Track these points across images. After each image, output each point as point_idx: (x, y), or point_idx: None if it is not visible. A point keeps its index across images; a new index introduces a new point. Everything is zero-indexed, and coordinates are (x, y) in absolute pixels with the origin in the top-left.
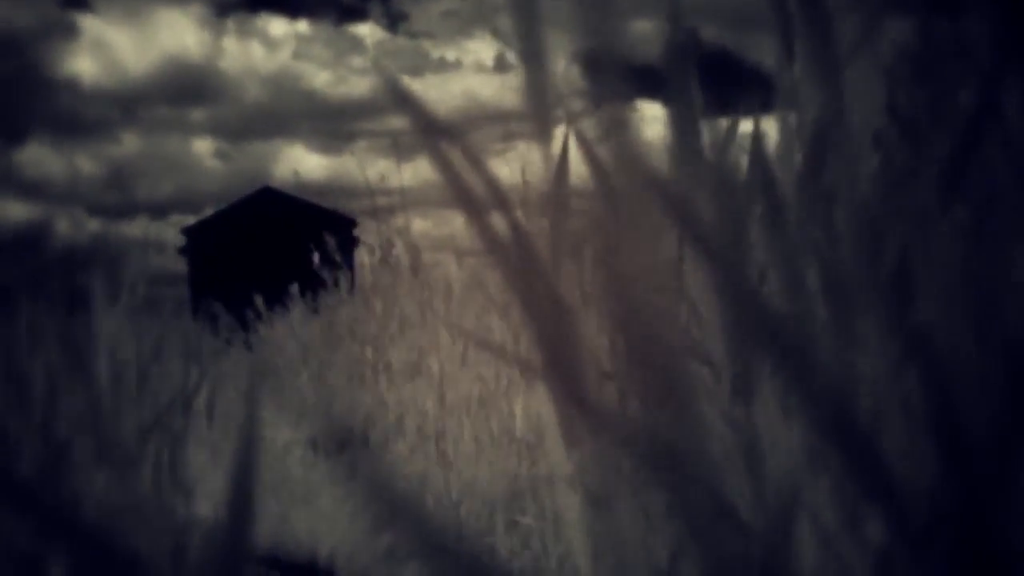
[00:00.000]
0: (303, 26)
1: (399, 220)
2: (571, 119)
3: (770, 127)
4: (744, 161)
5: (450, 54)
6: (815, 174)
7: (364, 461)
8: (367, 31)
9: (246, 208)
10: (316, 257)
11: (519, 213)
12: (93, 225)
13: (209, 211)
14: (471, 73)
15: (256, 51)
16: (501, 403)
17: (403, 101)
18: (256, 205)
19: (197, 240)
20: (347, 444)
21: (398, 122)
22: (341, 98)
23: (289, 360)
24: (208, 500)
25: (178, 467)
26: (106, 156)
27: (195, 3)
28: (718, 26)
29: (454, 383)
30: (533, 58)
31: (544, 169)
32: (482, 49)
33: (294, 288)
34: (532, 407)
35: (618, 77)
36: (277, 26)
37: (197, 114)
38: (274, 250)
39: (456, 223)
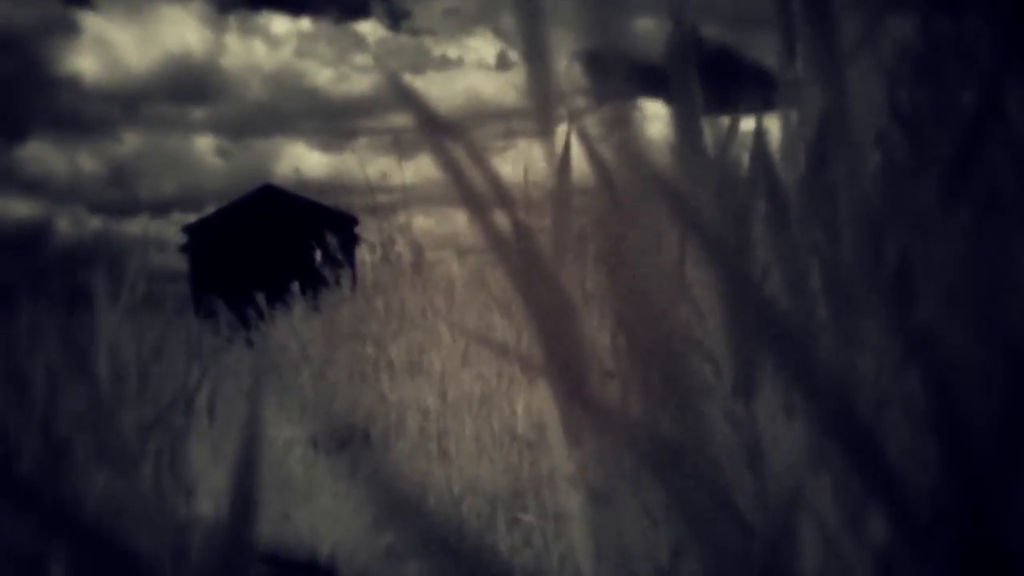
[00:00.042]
0: (305, 24)
1: (401, 218)
2: (573, 117)
3: (772, 125)
4: (746, 159)
5: (452, 52)
6: (817, 172)
7: (365, 459)
8: (369, 29)
9: (247, 206)
10: (318, 255)
11: (521, 211)
12: (94, 223)
13: (210, 209)
14: (473, 71)
15: (258, 49)
16: (503, 401)
17: (406, 98)
18: (257, 203)
19: (198, 238)
20: (348, 442)
21: (400, 119)
22: (343, 96)
23: (290, 358)
24: (209, 498)
25: (179, 465)
26: (107, 154)
27: (197, 0)
28: (719, 25)
29: (455, 381)
30: (536, 56)
31: (546, 167)
32: (484, 47)
33: (295, 286)
34: (534, 405)
35: (620, 75)
36: (279, 24)
37: (198, 112)
38: (275, 248)
39: (458, 221)
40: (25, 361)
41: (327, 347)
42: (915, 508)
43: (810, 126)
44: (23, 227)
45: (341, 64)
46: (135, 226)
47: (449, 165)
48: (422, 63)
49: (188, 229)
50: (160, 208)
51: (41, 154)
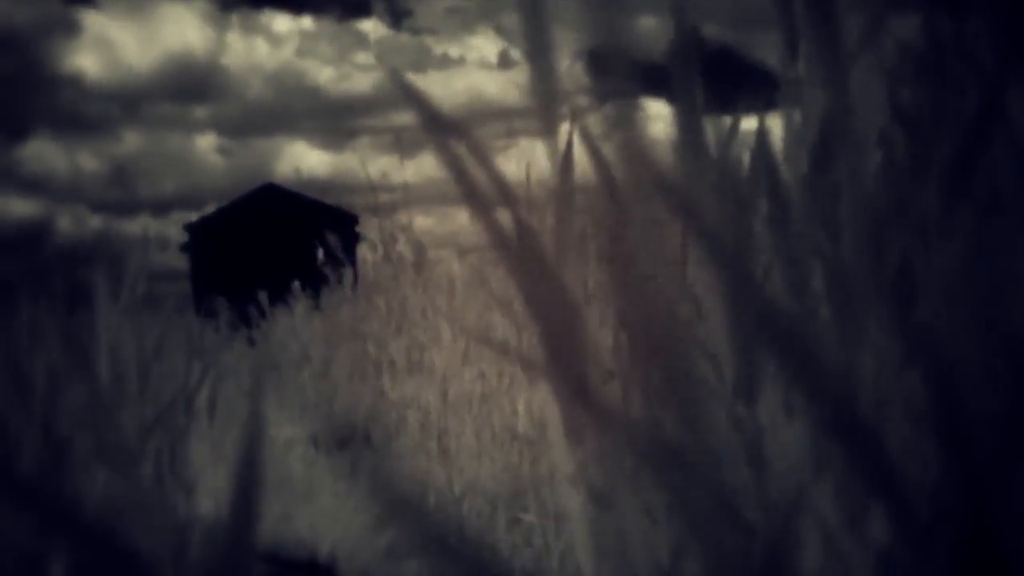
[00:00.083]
0: (307, 22)
1: (402, 217)
2: (576, 116)
3: (774, 125)
4: (748, 158)
5: (453, 51)
6: (819, 172)
7: (366, 458)
8: (370, 27)
9: (248, 205)
10: (319, 254)
11: (523, 210)
12: (95, 222)
13: (211, 208)
14: (474, 70)
15: (259, 47)
16: (503, 400)
17: (409, 96)
18: (258, 202)
19: (199, 237)
20: (349, 441)
21: (401, 118)
22: (344, 94)
23: (291, 357)
24: (209, 497)
25: (179, 464)
26: (108, 153)
27: None
28: (722, 24)
29: (456, 380)
30: (538, 55)
31: (549, 166)
32: (486, 46)
33: (296, 285)
34: (534, 404)
35: (622, 74)
36: (280, 22)
37: (200, 111)
38: (276, 247)
39: (459, 220)
40: (25, 360)
41: (328, 346)
42: (916, 508)
43: (812, 126)
44: (24, 226)
45: (342, 63)
46: (136, 225)
47: (452, 163)
48: (424, 62)
49: (189, 228)
50: (161, 207)
51: (42, 153)
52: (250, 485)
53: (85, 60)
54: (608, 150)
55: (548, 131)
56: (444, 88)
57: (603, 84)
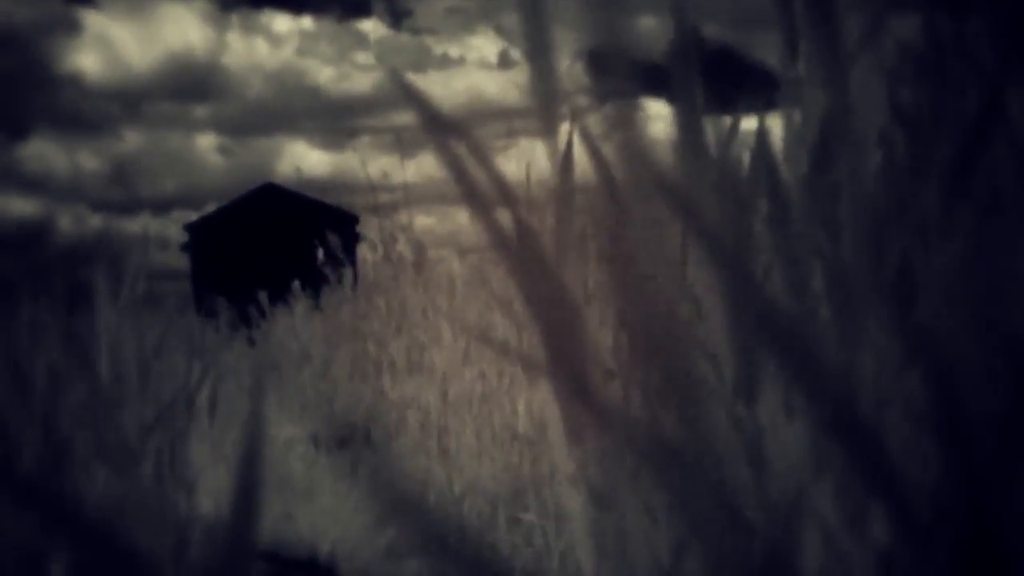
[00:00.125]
0: (307, 22)
1: (402, 216)
2: (576, 116)
3: (774, 125)
4: (748, 158)
5: (453, 51)
6: (819, 172)
7: (366, 458)
8: (370, 27)
9: (249, 204)
10: (319, 253)
11: (523, 210)
12: (95, 221)
13: (212, 207)
14: (474, 70)
15: (260, 47)
16: (504, 400)
17: (409, 96)
18: (258, 201)
19: (200, 236)
20: (349, 441)
21: (401, 118)
22: (344, 94)
23: (291, 356)
24: (210, 497)
25: (180, 464)
26: (109, 152)
27: None
28: (722, 24)
29: (456, 380)
30: (538, 55)
31: (549, 166)
32: (486, 46)
33: (296, 284)
34: (535, 404)
35: (622, 74)
36: (281, 22)
37: (200, 110)
38: (277, 246)
39: (459, 219)
40: (26, 359)
41: (328, 346)
42: (916, 508)
43: (812, 126)
44: (24, 225)
45: (342, 63)
46: (136, 224)
47: (452, 163)
48: (423, 62)
49: (189, 227)
50: (161, 206)
51: (42, 152)
52: (250, 485)
53: (85, 59)
54: (608, 150)
55: (548, 131)
56: (444, 88)
57: (603, 84)
